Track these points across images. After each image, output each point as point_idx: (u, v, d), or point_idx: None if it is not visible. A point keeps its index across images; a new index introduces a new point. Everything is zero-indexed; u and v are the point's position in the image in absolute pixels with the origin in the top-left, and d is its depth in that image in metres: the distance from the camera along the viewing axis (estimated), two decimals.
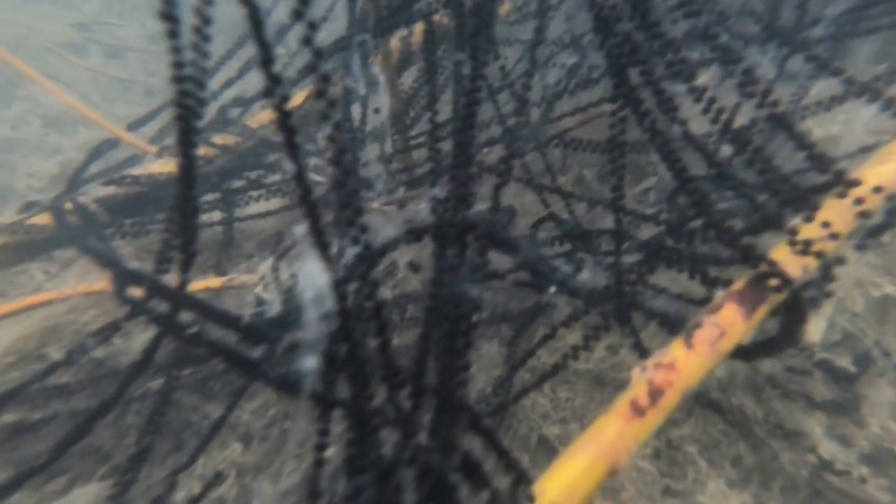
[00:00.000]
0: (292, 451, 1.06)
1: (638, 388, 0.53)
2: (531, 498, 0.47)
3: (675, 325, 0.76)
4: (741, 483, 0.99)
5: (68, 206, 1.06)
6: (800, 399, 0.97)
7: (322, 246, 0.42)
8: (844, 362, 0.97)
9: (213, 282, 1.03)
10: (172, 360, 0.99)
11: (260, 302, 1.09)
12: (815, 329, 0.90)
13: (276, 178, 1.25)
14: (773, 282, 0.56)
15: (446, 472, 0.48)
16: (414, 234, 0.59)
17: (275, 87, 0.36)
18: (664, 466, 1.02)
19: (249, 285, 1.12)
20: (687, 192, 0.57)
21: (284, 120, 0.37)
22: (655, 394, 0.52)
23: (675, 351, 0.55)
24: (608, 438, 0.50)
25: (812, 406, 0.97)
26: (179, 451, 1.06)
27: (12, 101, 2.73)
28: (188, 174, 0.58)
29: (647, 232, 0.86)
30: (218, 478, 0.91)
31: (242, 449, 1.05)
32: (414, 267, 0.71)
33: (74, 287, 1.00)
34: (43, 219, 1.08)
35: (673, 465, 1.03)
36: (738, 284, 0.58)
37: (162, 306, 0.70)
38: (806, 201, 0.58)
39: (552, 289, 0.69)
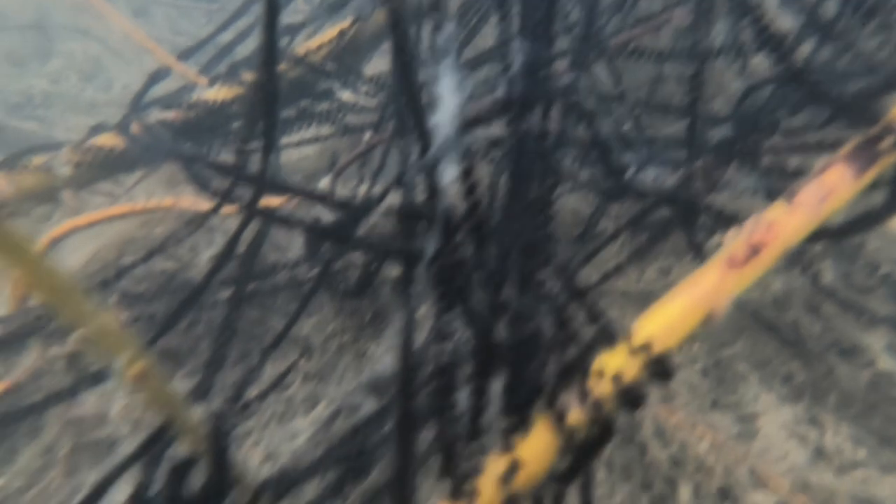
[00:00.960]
0: (351, 362, 1.12)
1: (736, 244, 0.53)
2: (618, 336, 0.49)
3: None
4: (793, 398, 1.00)
5: (135, 127, 1.10)
6: (861, 315, 0.96)
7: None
8: None
9: (272, 200, 1.06)
10: (239, 273, 1.05)
11: (317, 218, 1.13)
12: None
13: (324, 106, 1.25)
14: (887, 142, 0.54)
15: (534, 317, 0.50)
16: (501, 107, 0.59)
17: None
18: (713, 383, 1.04)
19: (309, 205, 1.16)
20: (779, 49, 0.55)
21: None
22: (754, 249, 0.53)
23: (776, 211, 0.55)
24: (706, 286, 0.51)
25: (873, 322, 0.96)
26: (246, 358, 1.14)
27: (49, 57, 2.79)
28: (271, 69, 0.59)
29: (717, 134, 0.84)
30: (285, 377, 0.98)
31: (305, 359, 1.12)
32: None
33: (146, 202, 1.05)
34: (110, 140, 1.13)
35: (722, 382, 1.05)
36: (847, 148, 0.57)
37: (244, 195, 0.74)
38: None
39: (631, 170, 0.69)
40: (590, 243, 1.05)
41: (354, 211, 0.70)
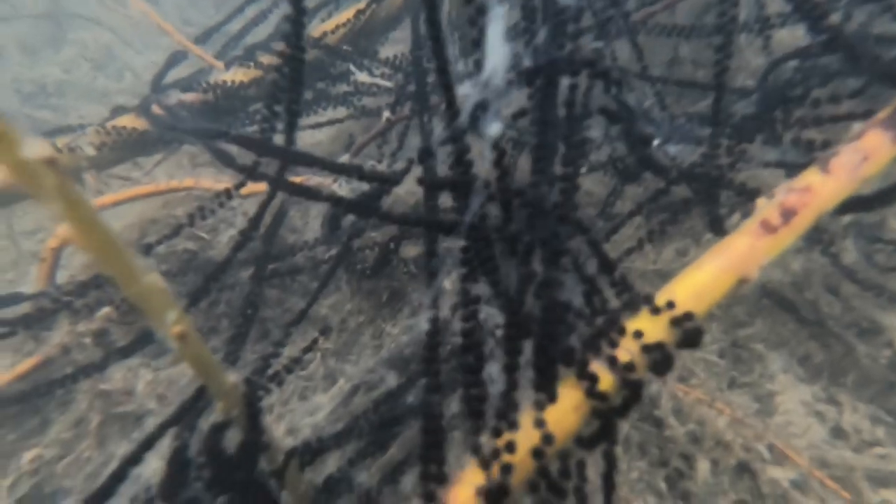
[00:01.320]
0: (368, 341, 1.14)
1: (769, 210, 0.53)
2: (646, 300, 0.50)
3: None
4: (811, 378, 1.00)
5: (155, 108, 1.11)
6: (881, 295, 0.96)
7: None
8: None
9: (293, 180, 1.07)
10: (259, 252, 1.06)
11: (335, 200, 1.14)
12: None
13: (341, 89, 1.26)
14: None
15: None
16: (528, 75, 0.59)
17: None
18: (731, 363, 1.04)
19: (324, 186, 1.17)
20: (814, 14, 0.55)
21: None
22: (788, 214, 0.53)
23: (810, 176, 0.55)
24: (738, 252, 0.51)
25: (893, 301, 0.96)
26: (265, 339, 1.16)
27: (62, 45, 2.80)
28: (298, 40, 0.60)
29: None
30: (310, 350, 0.99)
31: (323, 339, 1.13)
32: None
33: (168, 182, 1.07)
34: (131, 121, 1.14)
35: (739, 362, 1.05)
36: (885, 112, 0.57)
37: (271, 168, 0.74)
38: None
39: (656, 141, 0.69)
40: (607, 223, 1.05)
41: (383, 180, 0.70)
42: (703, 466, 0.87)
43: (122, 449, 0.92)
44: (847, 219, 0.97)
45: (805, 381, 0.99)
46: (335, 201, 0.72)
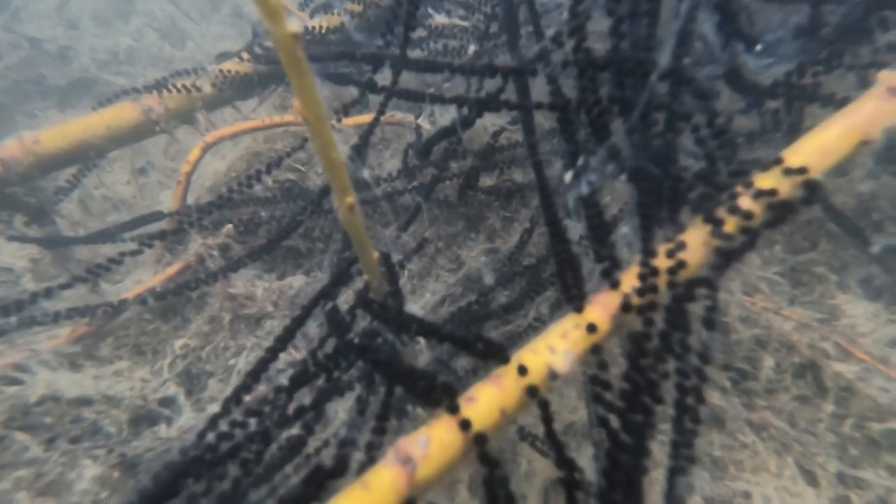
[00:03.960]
0: (446, 264, 1.26)
1: (894, 77, 0.57)
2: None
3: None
4: (872, 297, 1.05)
5: (258, 49, 1.24)
6: None
7: None
8: None
9: (368, 118, 1.18)
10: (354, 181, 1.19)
11: (420, 132, 1.24)
12: None
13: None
14: None
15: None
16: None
17: None
18: (791, 284, 1.10)
19: (407, 123, 1.27)
20: None
21: None
22: None
23: None
24: (864, 113, 0.56)
25: None
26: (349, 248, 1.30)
27: (131, 16, 2.99)
28: None
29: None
30: (419, 249, 1.12)
31: (406, 260, 1.26)
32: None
33: (270, 119, 1.20)
34: (233, 66, 1.27)
35: (800, 284, 1.11)
36: None
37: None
38: None
39: (761, 45, 0.73)
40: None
41: (512, 71, 0.76)
42: (767, 365, 0.95)
43: (251, 341, 1.08)
44: None
45: (866, 300, 1.04)
46: (461, 101, 0.79)
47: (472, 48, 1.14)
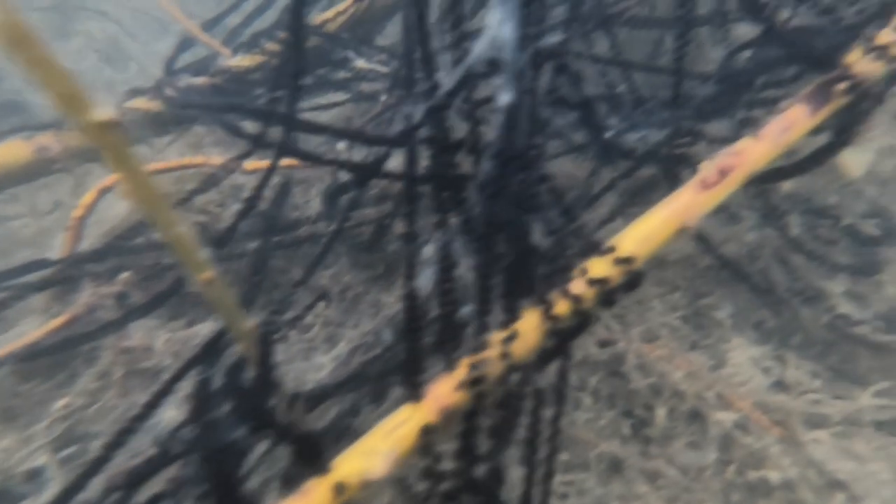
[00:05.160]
0: (366, 309, 1.24)
1: (707, 170, 0.63)
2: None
3: None
4: (763, 341, 1.11)
5: (168, 90, 1.20)
6: (824, 264, 1.07)
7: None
8: (869, 230, 1.05)
9: (293, 162, 1.17)
10: (264, 225, 1.16)
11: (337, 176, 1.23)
12: (859, 164, 0.98)
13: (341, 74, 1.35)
14: (842, 86, 0.64)
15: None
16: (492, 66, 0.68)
17: None
18: (692, 329, 1.16)
19: (323, 164, 1.26)
20: (760, 13, 0.65)
21: None
22: (723, 172, 0.63)
23: (743, 142, 0.65)
24: (681, 204, 0.61)
25: (834, 270, 1.07)
26: (269, 306, 1.26)
27: (70, 36, 2.86)
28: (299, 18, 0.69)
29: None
30: (313, 307, 1.10)
31: (324, 306, 1.24)
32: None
33: (180, 160, 1.16)
34: (144, 103, 1.23)
35: (700, 328, 1.17)
36: (807, 89, 0.67)
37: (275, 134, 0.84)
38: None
39: (611, 132, 0.79)
40: (584, 201, 1.16)
41: (385, 142, 0.78)
42: (661, 413, 0.98)
43: (144, 399, 1.02)
44: (793, 195, 1.08)
45: (757, 343, 1.11)
46: (339, 164, 0.80)
47: (383, 97, 1.16)
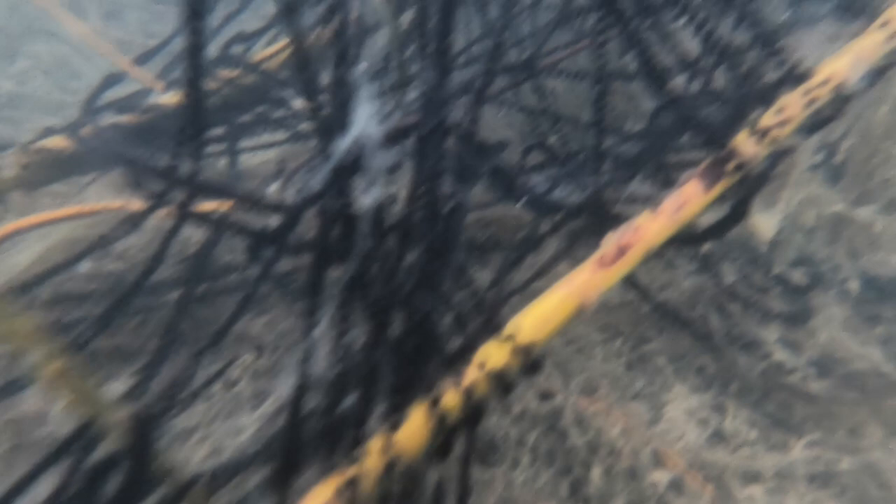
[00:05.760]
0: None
1: (607, 247, 0.62)
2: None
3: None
4: (703, 387, 1.10)
5: (86, 130, 1.13)
6: (758, 312, 1.08)
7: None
8: (798, 277, 1.07)
9: (222, 204, 1.11)
10: (189, 273, 1.09)
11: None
12: (768, 227, 1.00)
13: (280, 112, 1.31)
14: (731, 164, 0.64)
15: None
16: (398, 133, 0.66)
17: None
18: (635, 375, 1.14)
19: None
20: (668, 98, 0.65)
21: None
22: (622, 250, 0.61)
23: (642, 217, 0.64)
24: (578, 282, 0.59)
25: (768, 318, 1.08)
26: (195, 358, 1.17)
27: (16, 57, 2.73)
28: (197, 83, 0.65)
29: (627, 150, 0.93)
30: (223, 373, 1.02)
31: (256, 357, 1.16)
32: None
33: (94, 204, 1.08)
34: (60, 142, 1.15)
35: (643, 374, 1.15)
36: (701, 166, 0.67)
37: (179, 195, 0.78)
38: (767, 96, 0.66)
39: (523, 199, 0.77)
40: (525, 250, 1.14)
41: (283, 210, 0.75)
42: (597, 472, 0.94)
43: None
44: (726, 243, 1.09)
45: (698, 390, 1.09)
46: (239, 230, 0.76)
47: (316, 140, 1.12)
